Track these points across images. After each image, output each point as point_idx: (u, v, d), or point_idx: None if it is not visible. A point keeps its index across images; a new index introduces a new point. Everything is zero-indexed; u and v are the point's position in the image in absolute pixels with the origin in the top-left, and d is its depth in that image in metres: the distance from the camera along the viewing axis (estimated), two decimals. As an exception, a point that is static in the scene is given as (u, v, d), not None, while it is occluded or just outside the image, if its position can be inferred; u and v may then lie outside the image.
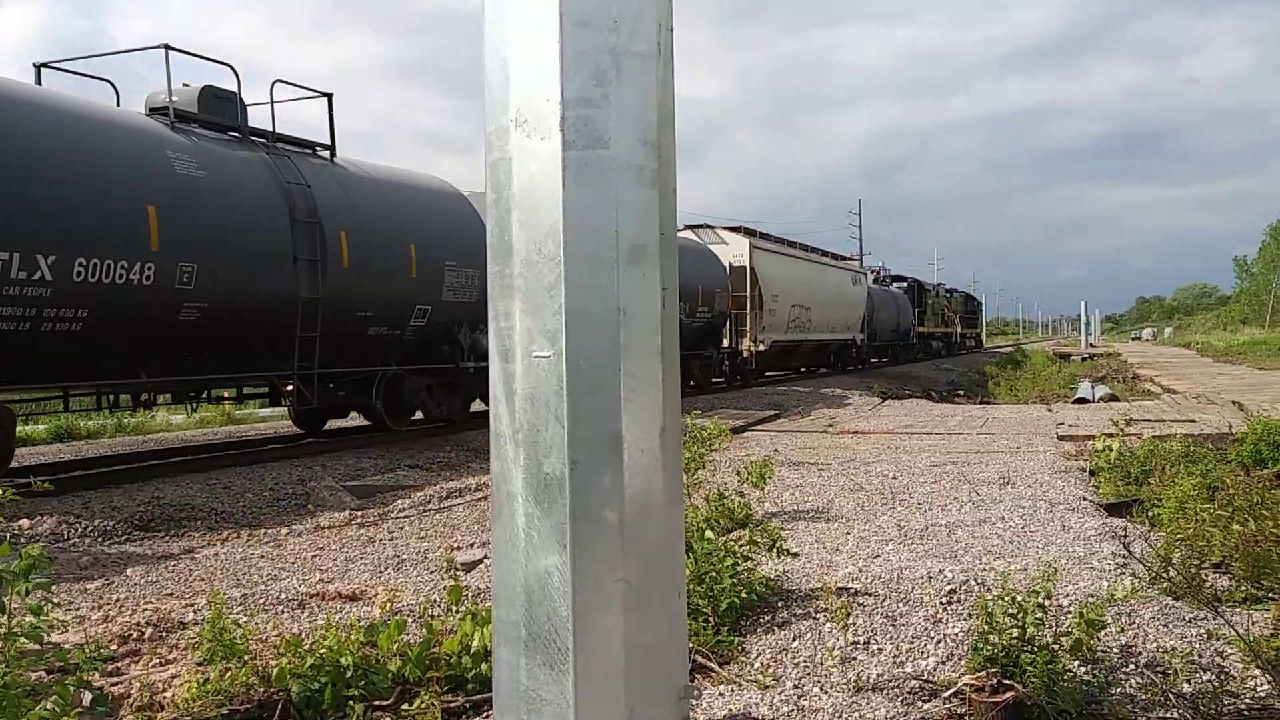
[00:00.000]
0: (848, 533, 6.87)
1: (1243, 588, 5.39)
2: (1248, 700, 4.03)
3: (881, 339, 39.96)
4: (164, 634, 4.85)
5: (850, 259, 40.09)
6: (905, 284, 46.97)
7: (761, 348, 25.25)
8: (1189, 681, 4.14)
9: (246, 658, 4.03)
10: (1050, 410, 17.54)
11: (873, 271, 45.24)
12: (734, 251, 25.05)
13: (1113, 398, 21.65)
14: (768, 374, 28.95)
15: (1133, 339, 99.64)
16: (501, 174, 2.95)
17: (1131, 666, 4.26)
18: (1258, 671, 4.13)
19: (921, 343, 47.29)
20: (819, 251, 32.79)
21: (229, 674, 3.89)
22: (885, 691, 4.09)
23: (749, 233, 26.49)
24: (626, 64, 2.88)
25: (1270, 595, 5.15)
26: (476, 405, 14.42)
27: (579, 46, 2.83)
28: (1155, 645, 4.43)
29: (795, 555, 5.89)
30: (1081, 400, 21.55)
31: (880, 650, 4.48)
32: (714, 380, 24.36)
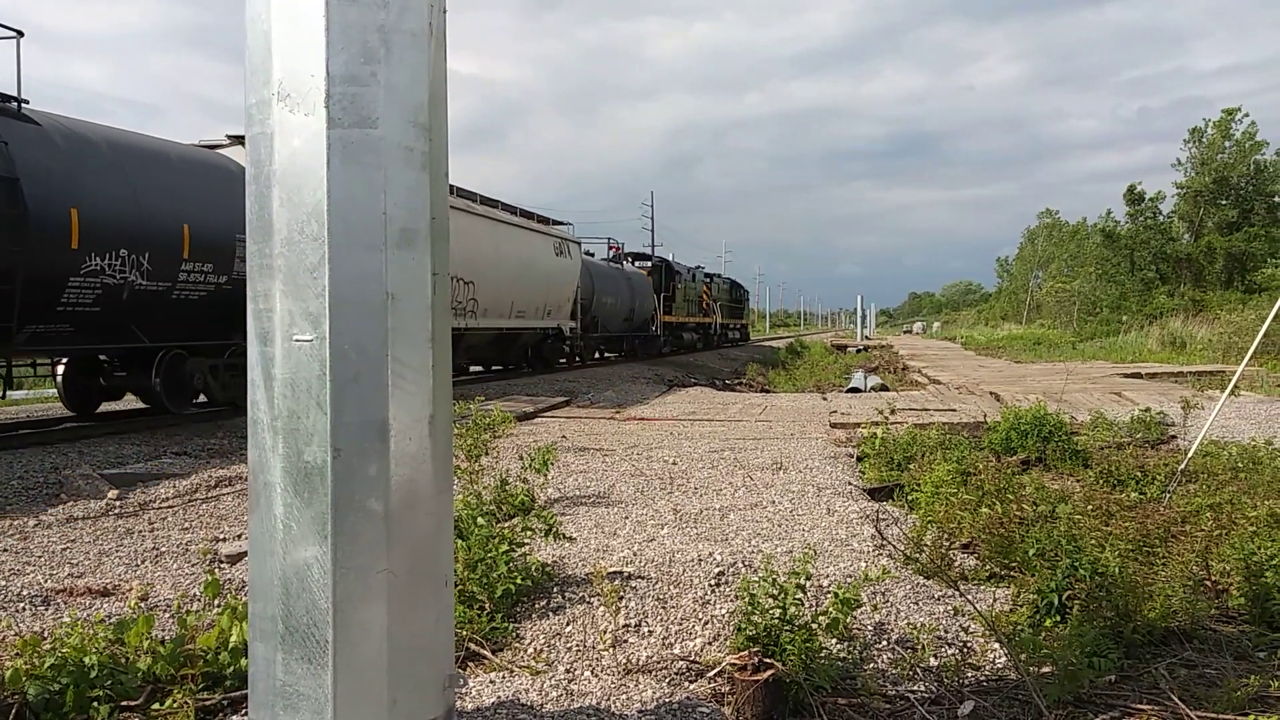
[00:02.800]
0: (626, 517, 6.98)
1: (988, 567, 5.78)
2: (987, 671, 4.33)
3: (607, 329, 32.11)
4: (-117, 636, 4.44)
5: (562, 225, 27.52)
6: (649, 264, 39.64)
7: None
8: (935, 656, 4.41)
9: (-22, 660, 3.74)
10: (825, 399, 18.30)
11: (612, 248, 37.72)
12: None
13: (884, 387, 22.82)
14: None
15: (904, 332, 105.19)
16: (262, 149, 2.83)
17: (884, 643, 4.50)
18: (996, 645, 4.44)
19: (669, 335, 39.84)
20: (501, 206, 22.72)
21: (-44, 678, 3.60)
22: (654, 673, 4.18)
23: None
24: (396, 42, 2.81)
25: (1011, 574, 5.54)
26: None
27: (346, 21, 2.75)
28: (906, 623, 4.69)
29: (572, 540, 5.93)
30: (855, 390, 22.62)
31: (651, 632, 4.57)
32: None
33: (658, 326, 37.68)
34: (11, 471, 8.86)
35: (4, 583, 5.36)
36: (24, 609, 4.92)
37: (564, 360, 28.36)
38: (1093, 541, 5.26)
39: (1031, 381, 20.32)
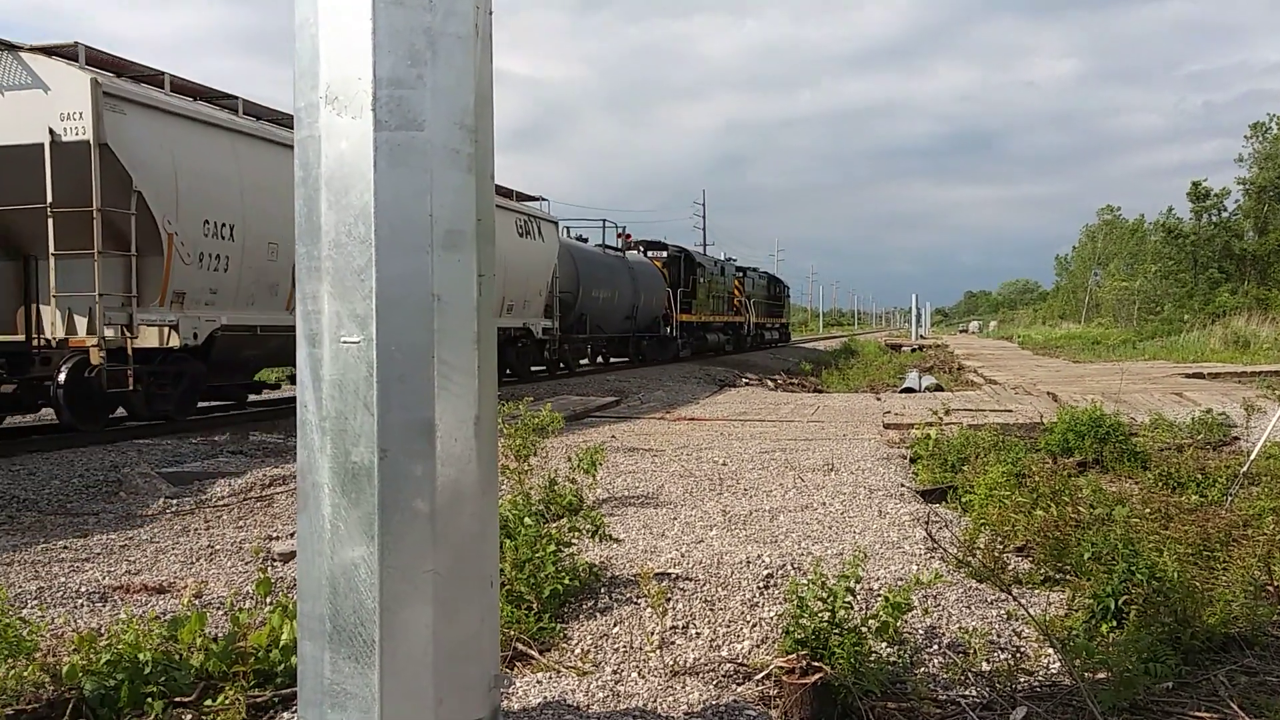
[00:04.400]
0: (674, 518, 6.96)
1: (1042, 571, 5.69)
2: (1040, 677, 4.26)
3: (601, 329, 26.72)
4: (-52, 631, 4.54)
5: (535, 199, 22.37)
6: (663, 254, 33.95)
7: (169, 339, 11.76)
8: (988, 660, 4.34)
9: (37, 655, 3.81)
10: (879, 399, 18.16)
11: (622, 235, 31.82)
12: (56, 108, 10.70)
13: (938, 388, 22.57)
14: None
15: (960, 331, 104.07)
16: (310, 152, 2.86)
17: (935, 647, 4.44)
18: (1050, 650, 4.36)
19: (688, 336, 34.08)
20: None
21: (14, 672, 3.67)
22: (701, 675, 4.16)
23: (99, 63, 11.46)
24: (442, 45, 2.82)
25: (1066, 578, 5.45)
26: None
27: (392, 24, 2.76)
28: (958, 627, 4.63)
29: (620, 541, 5.93)
30: (909, 390, 22.39)
31: (698, 634, 4.55)
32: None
33: (673, 326, 32.15)
34: (73, 470, 9.05)
35: (64, 579, 5.47)
36: (82, 605, 5.02)
37: (542, 369, 23.14)
38: (1150, 545, 5.15)
39: (1090, 381, 20.00)
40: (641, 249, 33.42)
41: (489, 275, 3.03)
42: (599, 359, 29.50)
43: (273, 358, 14.85)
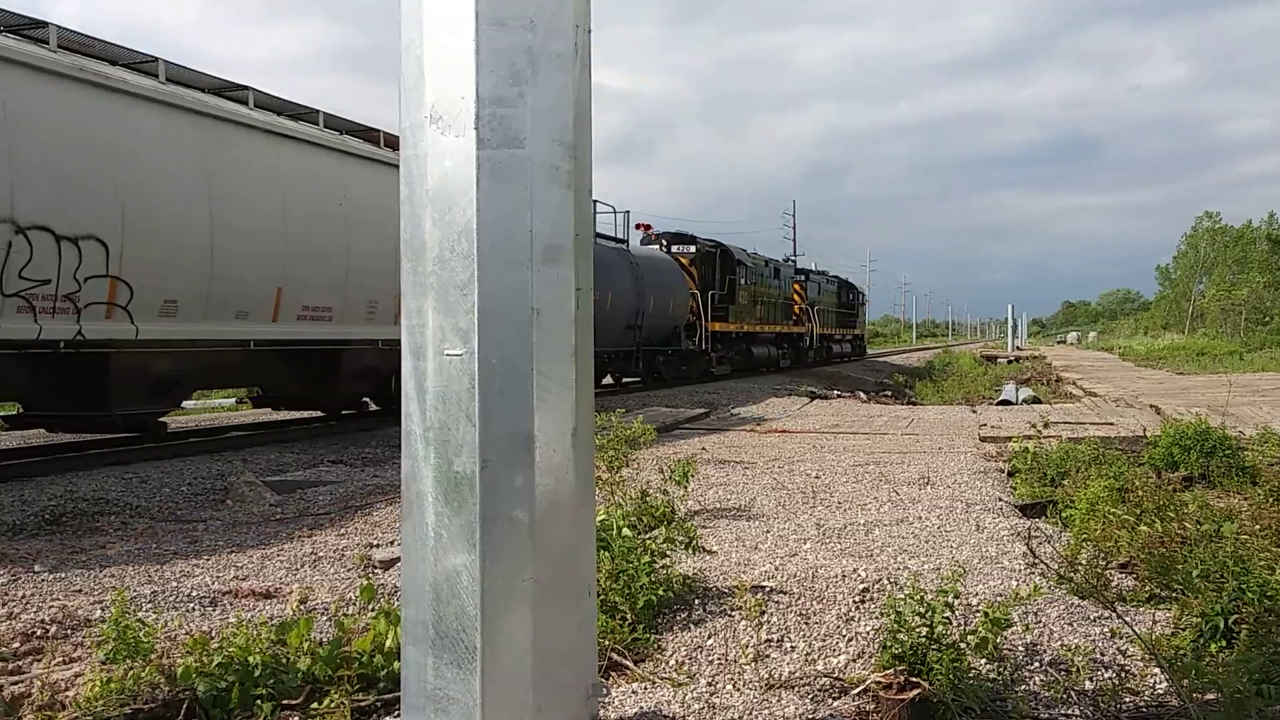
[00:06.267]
0: (767, 531, 6.94)
1: (1147, 588, 5.55)
2: (1146, 697, 4.15)
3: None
4: (69, 631, 4.75)
5: None
6: (691, 248, 27.73)
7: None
8: (1091, 679, 4.25)
9: (152, 656, 3.96)
10: (974, 412, 17.85)
11: (642, 227, 27.73)
12: None
13: (1036, 400, 22.09)
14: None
15: (1058, 342, 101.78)
16: (415, 170, 2.95)
17: (1036, 664, 4.36)
18: (1156, 670, 4.25)
19: (726, 349, 28.58)
20: (230, 91, 11.60)
21: (133, 673, 3.82)
22: (796, 689, 4.14)
23: None
24: (542, 64, 2.89)
25: (1173, 596, 5.30)
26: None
27: (494, 45, 2.83)
28: (1059, 644, 4.53)
29: (713, 553, 5.94)
30: (1005, 402, 21.95)
31: (793, 648, 4.53)
32: None
33: (702, 337, 26.47)
34: (182, 478, 9.38)
35: (176, 584, 5.67)
36: (193, 609, 5.19)
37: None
38: (1261, 563, 4.99)
39: (1194, 394, 19.40)
40: (664, 243, 27.88)
41: (586, 288, 3.09)
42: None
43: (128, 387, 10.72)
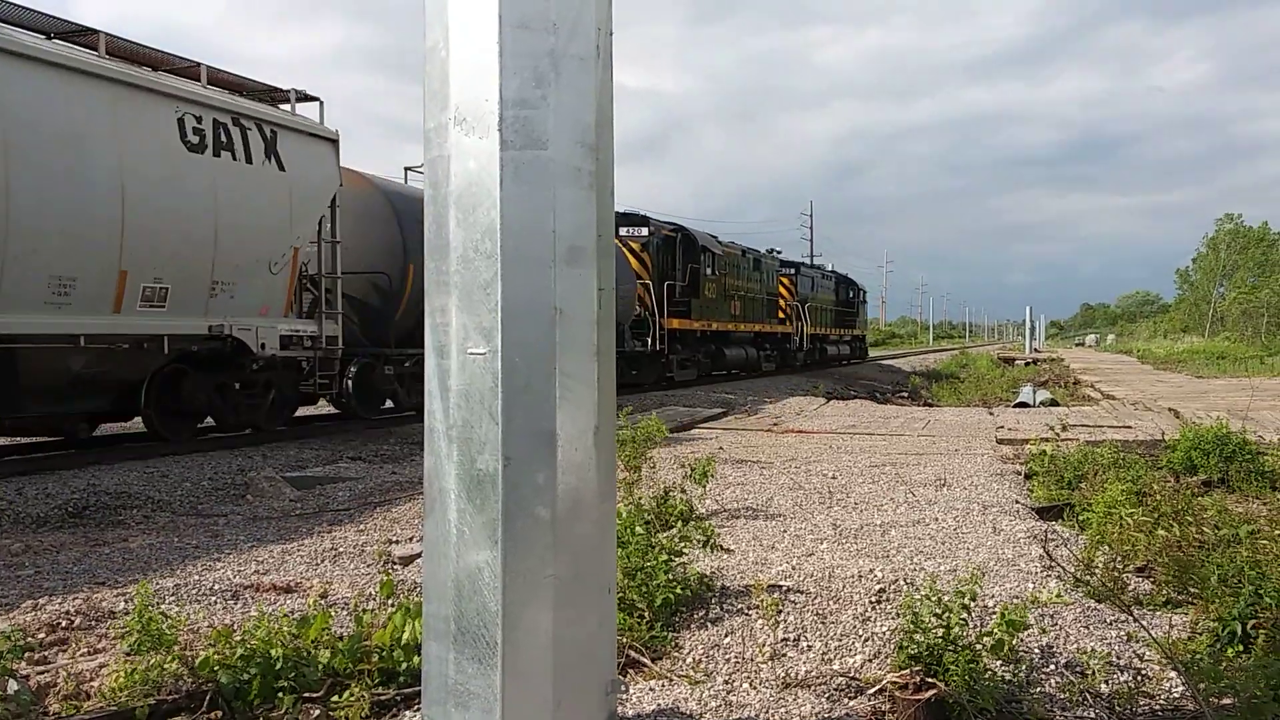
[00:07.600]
0: (784, 531, 6.96)
1: (1164, 592, 5.54)
2: (1162, 701, 4.15)
3: None
4: (94, 623, 4.81)
5: (282, 91, 11.90)
6: (642, 231, 22.97)
7: None
8: (1106, 682, 4.25)
9: (176, 648, 4.01)
10: (992, 414, 17.80)
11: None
12: None
13: (1053, 402, 22.03)
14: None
15: (1076, 345, 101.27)
16: (439, 171, 2.98)
17: (1051, 667, 4.37)
18: (1173, 673, 4.26)
19: (690, 351, 24.86)
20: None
21: (156, 664, 3.87)
22: (813, 688, 4.17)
23: None
24: (565, 66, 2.92)
25: (1190, 600, 5.30)
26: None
27: (518, 48, 2.86)
28: (1075, 646, 4.54)
29: (730, 552, 5.96)
30: (1022, 404, 21.90)
31: (810, 647, 4.55)
32: None
33: (657, 337, 22.35)
34: (202, 473, 9.46)
35: (198, 577, 5.73)
36: (215, 602, 5.25)
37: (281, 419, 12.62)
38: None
39: (1214, 398, 19.31)
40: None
41: (608, 288, 3.12)
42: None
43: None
